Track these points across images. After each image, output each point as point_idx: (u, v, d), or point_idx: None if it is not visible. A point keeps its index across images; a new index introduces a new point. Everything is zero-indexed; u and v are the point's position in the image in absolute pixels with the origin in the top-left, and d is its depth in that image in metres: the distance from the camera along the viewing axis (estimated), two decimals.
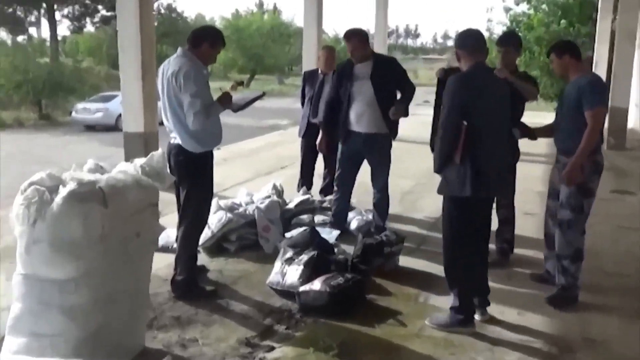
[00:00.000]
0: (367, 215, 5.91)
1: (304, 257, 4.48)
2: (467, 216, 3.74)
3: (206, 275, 4.78)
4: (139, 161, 3.46)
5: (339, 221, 5.65)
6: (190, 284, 4.30)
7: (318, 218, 5.97)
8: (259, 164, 9.80)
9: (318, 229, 5.23)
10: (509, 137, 3.95)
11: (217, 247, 5.41)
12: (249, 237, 5.48)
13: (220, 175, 8.38)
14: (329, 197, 6.53)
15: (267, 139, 12.86)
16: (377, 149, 5.47)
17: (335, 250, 5.09)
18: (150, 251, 3.47)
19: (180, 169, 4.18)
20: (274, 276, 4.53)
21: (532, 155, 8.36)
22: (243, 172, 9.04)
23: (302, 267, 4.41)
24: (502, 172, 3.70)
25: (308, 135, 6.57)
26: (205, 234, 5.19)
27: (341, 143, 5.50)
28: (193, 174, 4.17)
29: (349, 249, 5.09)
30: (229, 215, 5.39)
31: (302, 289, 4.21)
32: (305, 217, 5.95)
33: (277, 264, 4.59)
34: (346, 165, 5.52)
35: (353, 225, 5.89)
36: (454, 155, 3.63)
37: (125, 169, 3.36)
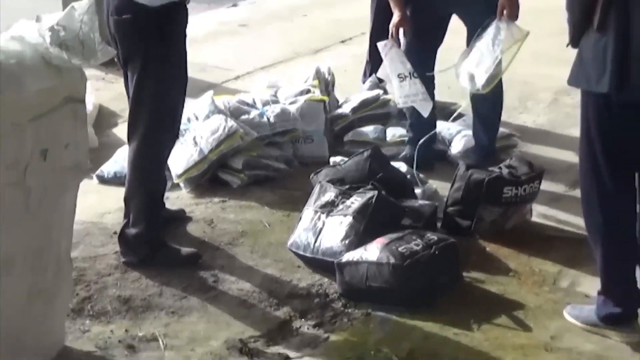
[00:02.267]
0: None
1: (355, 202, 4.40)
2: (608, 133, 3.60)
3: (185, 227, 4.78)
4: (50, 19, 3.38)
5: (419, 137, 5.54)
6: (152, 243, 4.31)
7: (394, 132, 5.85)
8: (303, 33, 9.67)
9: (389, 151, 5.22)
10: None
11: (211, 180, 5.42)
12: (265, 164, 5.44)
13: (235, 52, 8.43)
14: None
15: None
16: None
17: (419, 190, 5.00)
18: (69, 184, 3.45)
19: (126, 37, 4.13)
20: (300, 234, 4.49)
21: None
22: (273, 48, 8.97)
23: (349, 219, 4.33)
24: None
25: None
26: (189, 157, 5.19)
27: None
28: (147, 46, 4.10)
29: (445, 189, 5.03)
30: (231, 123, 5.34)
31: (347, 258, 4.15)
32: (369, 130, 5.84)
33: (307, 214, 4.53)
34: (425, 28, 5.37)
35: (456, 145, 5.76)
36: (592, 14, 3.45)
37: (23, 34, 3.30)
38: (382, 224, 4.33)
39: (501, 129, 5.75)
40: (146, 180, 4.28)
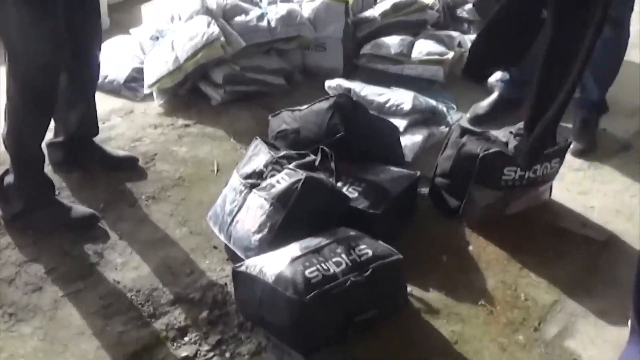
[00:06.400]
0: None
1: (282, 182, 2.52)
2: None
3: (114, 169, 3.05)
4: None
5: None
6: (28, 198, 2.63)
7: (422, 48, 3.79)
8: None
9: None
10: None
11: (192, 90, 3.59)
12: (253, 79, 3.58)
13: None
14: None
15: None
16: None
17: (419, 136, 3.21)
18: None
19: None
20: (220, 205, 2.68)
21: None
22: None
23: (268, 205, 2.47)
24: None
25: None
26: (164, 63, 3.52)
27: None
28: None
29: None
30: (213, 29, 3.49)
31: (246, 265, 2.37)
32: (394, 42, 3.80)
33: (234, 179, 2.68)
34: None
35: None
36: None
37: None
38: (310, 218, 2.46)
39: None
40: (17, 120, 2.62)
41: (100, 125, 3.24)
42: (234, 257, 2.59)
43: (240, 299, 2.41)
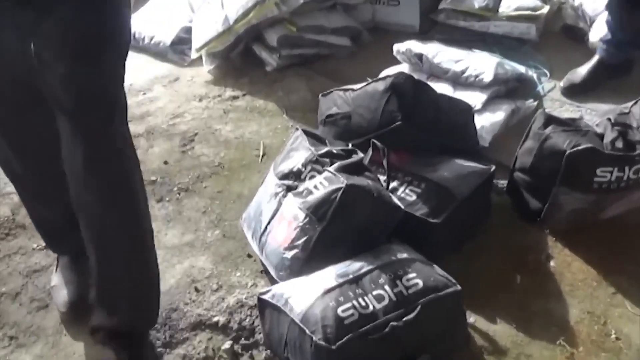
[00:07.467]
0: None
1: (320, 187, 2.10)
2: None
3: (149, 151, 2.69)
4: None
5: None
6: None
7: (511, 2, 3.23)
8: None
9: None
10: None
11: (245, 53, 3.19)
12: (313, 41, 3.13)
13: None
14: None
15: None
16: None
17: (504, 109, 2.68)
18: None
19: None
20: (254, 206, 2.28)
21: None
22: None
23: (303, 215, 2.05)
24: None
25: None
26: (213, 24, 3.17)
27: None
28: None
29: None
30: None
31: (272, 293, 1.98)
32: None
33: (269, 180, 2.27)
34: None
35: (598, 29, 3.08)
36: None
37: None
38: (352, 234, 2.05)
39: None
40: None
41: (140, 96, 2.90)
42: (268, 270, 2.19)
43: (265, 331, 2.02)
